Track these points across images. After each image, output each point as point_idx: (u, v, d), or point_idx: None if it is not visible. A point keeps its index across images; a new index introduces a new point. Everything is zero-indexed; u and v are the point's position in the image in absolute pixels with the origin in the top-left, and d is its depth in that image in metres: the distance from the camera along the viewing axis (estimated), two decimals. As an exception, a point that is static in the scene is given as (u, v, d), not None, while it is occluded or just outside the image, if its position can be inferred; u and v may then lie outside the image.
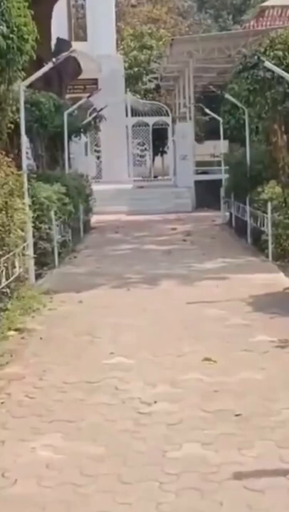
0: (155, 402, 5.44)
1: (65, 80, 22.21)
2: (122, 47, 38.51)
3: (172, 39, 27.38)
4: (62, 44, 23.10)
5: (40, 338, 7.59)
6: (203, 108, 21.16)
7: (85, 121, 19.85)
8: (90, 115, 21.38)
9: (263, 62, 10.28)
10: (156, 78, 36.24)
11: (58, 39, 23.35)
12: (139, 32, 38.49)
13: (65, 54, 13.62)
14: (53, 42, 23.29)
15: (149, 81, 36.74)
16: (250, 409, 5.22)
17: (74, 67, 22.63)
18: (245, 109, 14.96)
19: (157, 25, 42.73)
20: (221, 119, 18.98)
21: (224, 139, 22.88)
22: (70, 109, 16.54)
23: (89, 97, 18.17)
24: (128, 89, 34.65)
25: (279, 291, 9.74)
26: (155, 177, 33.43)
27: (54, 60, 11.25)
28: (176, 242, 16.05)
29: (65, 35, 30.86)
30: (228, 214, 19.49)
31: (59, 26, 29.69)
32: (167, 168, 32.66)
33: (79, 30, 38.07)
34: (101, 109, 21.09)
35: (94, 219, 21.58)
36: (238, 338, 7.35)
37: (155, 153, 35.98)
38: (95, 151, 29.90)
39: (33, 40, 10.52)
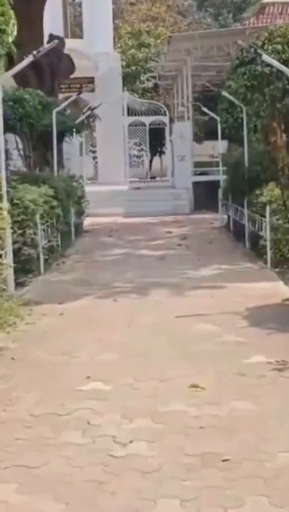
0: (131, 441, 4.69)
1: (58, 78, 21.47)
2: (119, 45, 37.78)
3: (169, 36, 26.62)
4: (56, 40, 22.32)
5: (12, 359, 6.84)
6: (201, 107, 20.37)
7: (77, 121, 19.09)
8: (90, 115, 20.67)
9: (260, 55, 9.52)
10: (154, 77, 35.48)
11: (51, 35, 22.56)
12: (137, 30, 37.76)
13: (47, 46, 12.83)
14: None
15: (147, 80, 36.00)
16: (240, 451, 4.46)
17: (67, 65, 21.90)
18: (242, 107, 14.21)
19: (156, 24, 42.04)
20: (218, 118, 18.20)
21: (223, 138, 22.19)
22: (59, 107, 15.71)
23: (79, 94, 17.34)
24: (126, 89, 33.93)
25: (277, 302, 8.99)
26: (153, 178, 32.72)
27: (35, 52, 10.38)
28: (171, 247, 15.30)
29: (60, 33, 30.14)
30: (226, 217, 18.75)
31: (55, 24, 29.02)
32: (166, 169, 31.95)
33: (76, 28, 37.34)
34: (94, 108, 20.37)
35: (88, 221, 20.87)
36: (231, 358, 6.60)
37: (153, 154, 35.30)
38: (91, 151, 29.14)
39: (12, 32, 9.73)
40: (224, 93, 14.63)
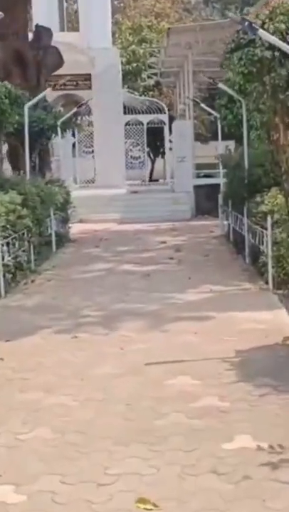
0: None
1: (44, 73, 19.63)
2: (120, 41, 35.91)
3: (169, 28, 24.71)
4: (43, 32, 20.54)
5: None
6: (199, 103, 18.45)
7: (62, 118, 17.24)
8: (77, 112, 18.84)
9: (256, 30, 7.64)
10: (155, 74, 33.61)
11: (38, 26, 20.80)
12: (138, 25, 35.86)
13: None
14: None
15: (148, 77, 34.13)
16: None
17: (55, 58, 20.06)
18: (241, 101, 12.32)
19: (159, 20, 40.15)
20: (218, 115, 16.30)
21: (230, 138, 20.33)
22: (32, 102, 13.85)
23: (54, 87, 15.42)
24: (126, 87, 32.11)
25: (277, 342, 7.09)
26: (155, 180, 30.88)
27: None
28: (162, 261, 13.41)
29: (55, 26, 28.31)
30: (226, 223, 16.84)
31: (48, 16, 27.23)
32: (170, 171, 30.01)
33: (72, 20, 35.42)
34: (82, 105, 18.52)
35: (78, 229, 19.11)
36: (206, 441, 4.71)
37: (156, 155, 33.48)
38: (86, 152, 27.27)
39: None
40: (221, 85, 12.73)
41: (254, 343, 7.07)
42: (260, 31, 7.71)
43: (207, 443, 4.66)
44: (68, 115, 17.34)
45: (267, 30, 9.50)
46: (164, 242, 16.36)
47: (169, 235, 18.23)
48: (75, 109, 17.87)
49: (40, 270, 12.58)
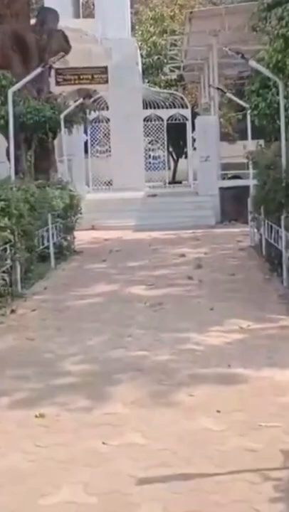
0: None
1: (48, 59, 17.15)
2: (140, 32, 33.43)
3: (191, 12, 22.15)
4: (47, 14, 18.14)
5: None
6: (222, 90, 15.87)
7: (65, 111, 14.80)
8: (84, 105, 16.39)
9: None
10: (178, 68, 31.07)
11: (42, 8, 18.49)
12: (160, 15, 33.31)
13: None
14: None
15: (171, 71, 31.58)
16: None
17: (60, 43, 17.59)
18: (279, 83, 9.78)
19: (183, 11, 37.57)
20: (247, 106, 13.74)
21: (256, 136, 17.81)
22: (17, 86, 11.40)
23: (44, 66, 12.91)
24: (147, 81, 29.66)
25: None
26: (178, 182, 28.32)
27: None
28: (178, 282, 10.90)
29: (68, 13, 25.95)
30: (256, 232, 14.33)
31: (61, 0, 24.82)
32: (194, 172, 27.45)
33: (87, 7, 32.99)
34: (87, 96, 16.05)
35: (89, 237, 17.03)
36: None
37: (179, 155, 30.95)
38: (100, 151, 24.77)
39: None
40: (252, 62, 10.18)
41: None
42: None
43: None
44: (72, 107, 14.84)
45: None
46: (183, 256, 13.85)
47: (190, 245, 15.73)
48: (80, 100, 15.39)
49: (28, 294, 10.14)
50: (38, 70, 11.58)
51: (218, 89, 17.40)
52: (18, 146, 13.25)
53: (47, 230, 12.50)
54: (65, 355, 6.83)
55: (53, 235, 12.96)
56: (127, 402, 5.39)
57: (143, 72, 29.40)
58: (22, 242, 10.31)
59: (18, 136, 12.81)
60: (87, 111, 16.45)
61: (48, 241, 12.63)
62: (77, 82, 25.08)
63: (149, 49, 32.44)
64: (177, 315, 8.51)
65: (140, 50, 29.52)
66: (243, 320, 8.03)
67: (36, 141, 13.97)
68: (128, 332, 7.72)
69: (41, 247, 12.15)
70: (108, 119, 24.66)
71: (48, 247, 12.74)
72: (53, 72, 20.88)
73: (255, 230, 14.46)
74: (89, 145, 23.83)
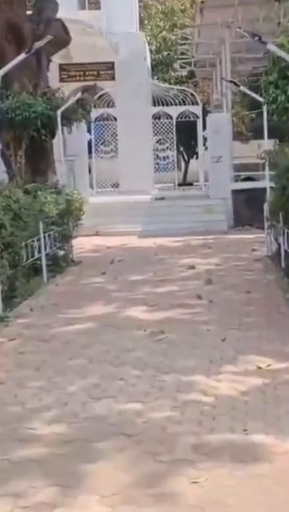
0: None
1: (46, 51, 15.75)
2: (149, 27, 32.00)
3: (202, 2, 20.66)
4: (45, 3, 16.73)
5: None
6: (236, 83, 14.37)
7: (62, 107, 13.37)
8: (84, 100, 14.95)
9: None
10: (188, 63, 29.58)
11: (39, -4, 17.02)
12: (170, 8, 31.84)
13: None
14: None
15: (181, 67, 30.10)
16: None
17: (59, 34, 16.17)
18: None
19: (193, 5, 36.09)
20: (262, 100, 12.26)
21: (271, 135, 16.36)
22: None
23: (28, 52, 11.46)
24: (156, 78, 28.20)
25: None
26: (189, 184, 26.87)
27: None
28: (185, 301, 9.44)
29: (73, 4, 24.53)
30: (274, 241, 12.87)
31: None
32: (205, 173, 26.00)
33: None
34: (85, 90, 14.66)
35: (91, 244, 15.77)
36: None
37: (190, 156, 29.50)
38: (105, 151, 23.33)
39: None
40: (271, 46, 8.71)
41: None
42: None
43: None
44: (70, 103, 13.39)
45: None
46: (192, 267, 12.40)
47: (200, 254, 14.30)
48: (78, 95, 13.95)
49: (10, 318, 8.73)
50: (22, 56, 10.12)
51: (231, 82, 15.89)
52: (7, 146, 11.87)
53: (38, 240, 11.09)
54: (36, 409, 5.38)
55: (45, 245, 11.56)
56: (106, 493, 3.94)
57: (152, 68, 27.99)
58: (4, 257, 8.89)
59: (5, 134, 11.42)
60: (88, 107, 14.98)
61: (40, 253, 11.21)
62: (82, 78, 23.72)
63: (158, 44, 31.10)
64: (182, 348, 7.05)
65: (149, 45, 28.12)
66: (262, 356, 6.57)
67: (27, 139, 12.56)
68: (120, 373, 6.27)
69: (31, 260, 10.73)
70: (114, 117, 23.24)
71: (40, 259, 11.34)
72: (53, 67, 19.52)
73: (273, 239, 13.01)
74: (93, 145, 22.40)
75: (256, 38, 9.22)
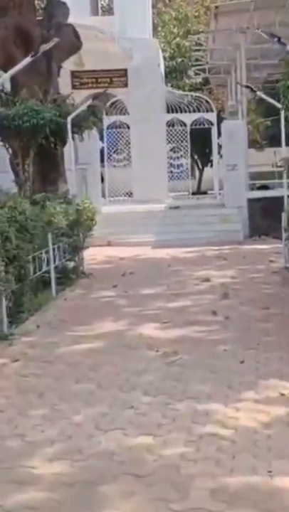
0: None
1: (56, 57, 15.34)
2: (162, 34, 31.58)
3: (216, 7, 20.20)
4: (56, 7, 16.32)
5: None
6: (252, 88, 13.86)
7: (72, 114, 12.92)
8: (95, 107, 14.50)
9: None
10: (203, 70, 29.09)
11: (50, 1, 16.57)
12: (183, 15, 31.40)
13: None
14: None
15: (195, 74, 29.63)
16: None
17: (69, 39, 15.77)
18: None
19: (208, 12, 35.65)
20: (281, 106, 11.74)
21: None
22: None
23: (34, 55, 11.01)
24: (170, 85, 27.73)
25: None
26: (204, 192, 26.38)
27: None
28: (199, 318, 8.93)
29: (86, 10, 24.14)
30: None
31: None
32: (220, 181, 25.49)
33: (106, 5, 31.17)
34: (97, 97, 14.18)
35: (103, 255, 15.33)
36: None
37: (204, 164, 29.00)
38: (118, 159, 22.87)
39: None
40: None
41: None
42: None
43: None
44: (80, 110, 12.93)
45: None
46: (207, 280, 11.89)
47: (215, 266, 13.79)
48: (89, 102, 13.49)
49: (16, 335, 8.24)
50: (28, 59, 9.68)
51: (247, 87, 15.41)
52: (14, 154, 11.43)
53: (46, 252, 10.62)
54: (37, 443, 4.89)
55: (54, 257, 11.09)
56: None
57: (166, 75, 27.59)
58: (9, 271, 8.42)
59: (13, 142, 10.99)
60: (99, 114, 14.52)
61: (48, 265, 10.74)
62: (94, 85, 23.34)
63: (172, 51, 30.63)
64: (197, 371, 6.54)
65: (163, 52, 27.72)
66: (284, 381, 6.06)
67: (35, 147, 12.11)
68: (130, 400, 5.77)
69: (39, 273, 10.26)
70: (127, 125, 22.79)
71: (48, 272, 10.86)
72: (65, 74, 19.12)
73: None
74: (105, 153, 21.93)
75: (275, 39, 8.75)
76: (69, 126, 13.00)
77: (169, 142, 23.06)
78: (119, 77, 24.22)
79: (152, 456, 4.58)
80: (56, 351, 7.52)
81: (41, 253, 10.24)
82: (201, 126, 22.58)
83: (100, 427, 5.17)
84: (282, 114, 12.27)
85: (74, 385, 6.25)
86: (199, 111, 22.35)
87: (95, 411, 5.54)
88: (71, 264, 12.57)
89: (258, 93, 12.72)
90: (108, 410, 5.54)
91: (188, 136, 22.60)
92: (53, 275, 10.98)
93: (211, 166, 26.04)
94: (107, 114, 18.88)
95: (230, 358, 6.94)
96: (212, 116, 22.43)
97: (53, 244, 10.98)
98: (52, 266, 10.87)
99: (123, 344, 7.71)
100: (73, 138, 13.39)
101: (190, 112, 22.67)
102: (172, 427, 5.13)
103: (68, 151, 14.99)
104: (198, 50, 28.03)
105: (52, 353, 7.46)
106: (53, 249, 10.96)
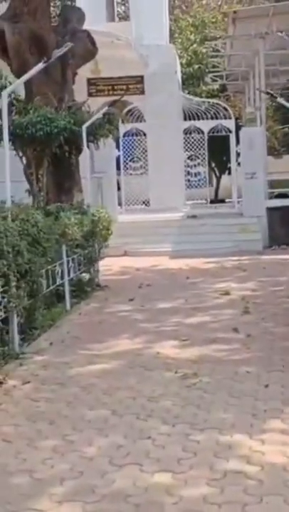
0: None
1: (71, 64, 15.00)
2: (179, 40, 31.26)
3: (234, 12, 19.83)
4: (71, 13, 16.01)
5: None
6: (272, 94, 13.45)
7: (88, 122, 12.56)
8: (111, 114, 14.13)
9: None
10: (220, 77, 28.73)
11: (65, 6, 16.36)
12: (201, 21, 31.06)
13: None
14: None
15: (213, 80, 29.27)
16: None
17: (85, 46, 15.43)
18: None
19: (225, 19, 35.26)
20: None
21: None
22: (9, 89, 9.29)
23: (46, 61, 10.63)
24: (187, 92, 27.39)
25: None
26: (221, 201, 26.00)
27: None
28: (219, 336, 8.50)
29: (101, 16, 23.85)
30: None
31: (94, 2, 22.83)
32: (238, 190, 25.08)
33: (123, 12, 30.90)
34: (113, 104, 13.81)
35: (119, 265, 15.13)
36: None
37: (222, 171, 28.66)
38: (134, 168, 22.51)
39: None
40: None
41: None
42: None
43: None
44: (95, 117, 12.57)
45: None
46: (227, 293, 11.47)
47: (234, 278, 13.37)
48: (105, 109, 13.13)
49: (27, 354, 7.86)
50: (41, 65, 9.32)
51: (267, 93, 15.01)
52: (28, 163, 11.08)
53: (60, 265, 10.25)
54: (46, 480, 4.50)
55: (69, 270, 10.73)
56: None
57: (183, 82, 27.26)
58: (21, 286, 8.05)
59: (26, 151, 10.64)
60: (115, 122, 14.16)
61: (62, 278, 10.37)
62: (111, 92, 23.01)
63: (189, 58, 30.32)
64: (218, 396, 6.12)
65: (180, 59, 27.38)
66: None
67: (49, 156, 11.76)
68: (147, 429, 5.36)
69: (53, 287, 9.88)
70: (143, 132, 22.43)
71: (62, 285, 10.50)
72: (81, 81, 18.78)
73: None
74: (121, 161, 21.59)
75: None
76: (84, 134, 12.62)
77: (186, 150, 22.67)
78: (135, 83, 23.86)
79: (171, 499, 4.17)
80: (69, 372, 7.13)
81: (55, 266, 9.87)
82: (219, 133, 22.14)
83: (114, 461, 4.77)
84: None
85: (87, 411, 5.86)
86: (217, 118, 21.94)
87: (109, 441, 5.15)
88: (86, 277, 12.17)
89: (279, 99, 12.34)
90: (123, 441, 5.14)
91: (206, 144, 22.19)
92: (67, 288, 10.62)
93: (229, 173, 25.63)
94: (123, 121, 18.49)
95: (254, 381, 6.52)
96: (230, 124, 22.01)
97: (67, 256, 10.62)
98: (66, 279, 10.51)
99: (139, 364, 7.31)
100: (88, 146, 12.99)
101: (207, 119, 22.26)
102: (193, 462, 4.71)
103: (84, 159, 14.66)
104: (216, 57, 27.68)
105: (64, 374, 7.07)
106: (67, 262, 10.60)
